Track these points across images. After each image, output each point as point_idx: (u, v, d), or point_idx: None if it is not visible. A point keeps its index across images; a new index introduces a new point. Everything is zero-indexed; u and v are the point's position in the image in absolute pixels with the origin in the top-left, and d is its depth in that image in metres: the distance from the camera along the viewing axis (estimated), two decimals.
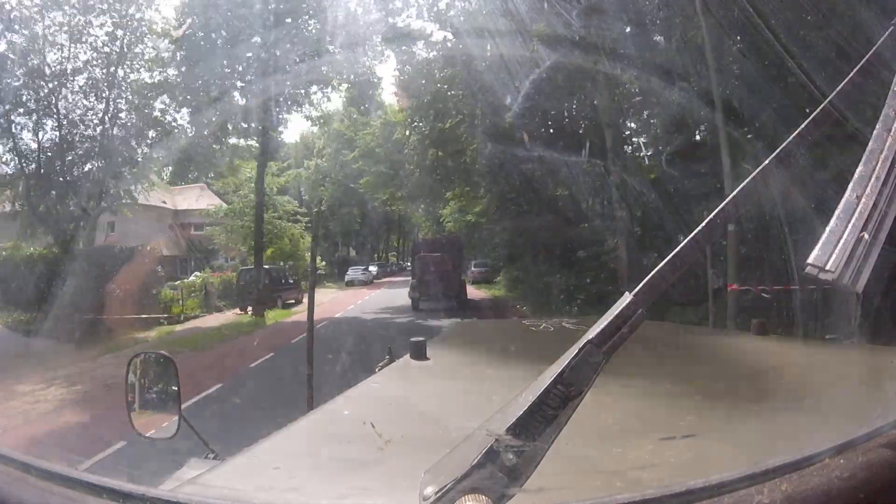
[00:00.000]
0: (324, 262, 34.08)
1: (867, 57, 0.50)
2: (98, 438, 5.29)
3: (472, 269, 29.71)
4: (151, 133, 16.08)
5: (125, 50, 14.62)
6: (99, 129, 14.77)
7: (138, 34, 14.90)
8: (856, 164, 0.51)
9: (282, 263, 25.00)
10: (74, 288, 12.95)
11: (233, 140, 18.06)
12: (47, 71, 13.54)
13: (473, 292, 23.51)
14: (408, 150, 23.00)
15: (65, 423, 6.48)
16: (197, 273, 21.16)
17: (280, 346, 10.82)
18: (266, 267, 20.89)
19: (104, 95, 14.68)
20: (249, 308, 17.21)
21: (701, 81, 9.83)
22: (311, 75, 17.44)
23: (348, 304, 19.38)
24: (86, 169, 14.83)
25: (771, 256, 7.65)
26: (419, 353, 1.45)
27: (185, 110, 16.68)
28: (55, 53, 13.71)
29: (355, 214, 44.27)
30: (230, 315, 16.95)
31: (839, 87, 0.50)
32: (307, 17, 16.53)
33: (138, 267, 15.13)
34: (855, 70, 0.50)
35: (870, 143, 0.51)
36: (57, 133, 13.96)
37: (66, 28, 13.59)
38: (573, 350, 0.49)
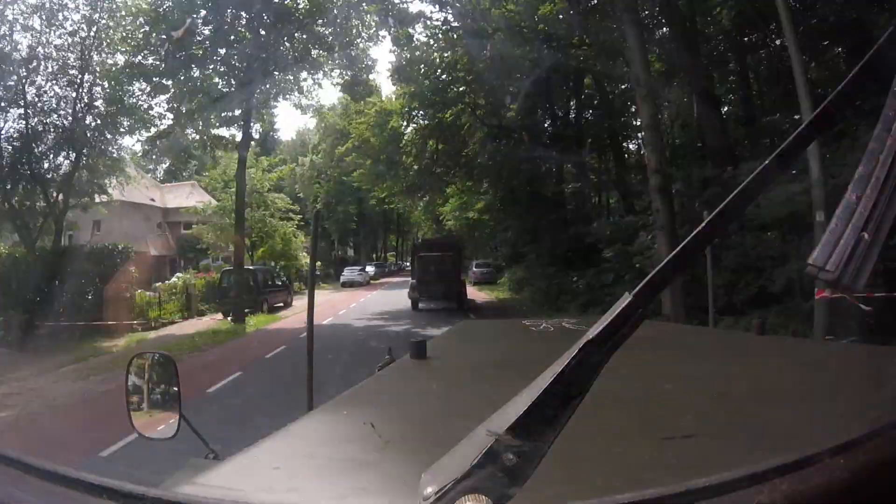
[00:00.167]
0: (319, 263, 34.21)
1: (867, 57, 0.54)
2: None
3: (474, 269, 29.85)
4: (126, 122, 16.07)
5: (99, 32, 14.62)
6: (69, 117, 14.78)
7: (114, 14, 14.90)
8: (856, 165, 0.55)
9: (272, 263, 25.06)
10: (36, 291, 12.84)
11: (215, 130, 18.02)
12: (15, 56, 13.53)
13: (476, 294, 23.60)
14: (405, 140, 23.02)
15: None
16: (179, 274, 21.08)
17: (251, 362, 10.08)
18: (250, 268, 20.80)
19: (76, 80, 14.70)
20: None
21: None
22: (300, 59, 17.42)
23: (340, 307, 19.33)
24: (56, 162, 14.81)
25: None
26: (419, 353, 1.54)
27: (161, 97, 16.71)
28: (24, 36, 13.73)
29: (352, 213, 44.69)
30: (210, 321, 16.70)
31: (839, 87, 0.55)
32: None
33: (111, 268, 14.99)
34: (855, 70, 0.54)
35: (870, 143, 0.55)
36: (23, 122, 13.94)
37: (37, 10, 13.59)
38: (573, 350, 0.52)
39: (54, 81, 14.39)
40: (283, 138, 50.00)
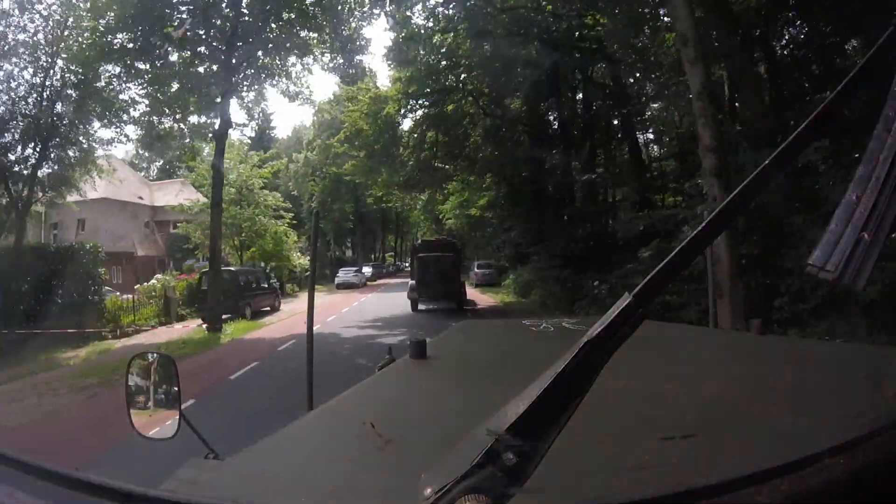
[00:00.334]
0: None
1: (867, 57, 0.59)
2: None
3: (475, 270, 29.94)
4: (96, 108, 16.03)
5: (68, 12, 14.65)
6: (33, 103, 14.75)
7: None
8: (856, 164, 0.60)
9: (263, 264, 25.08)
10: None
11: (192, 118, 18.00)
12: None
13: (478, 297, 23.66)
14: (403, 131, 23.05)
15: None
16: (158, 276, 20.98)
17: (212, 386, 8.56)
18: (231, 269, 20.66)
19: (40, 64, 14.69)
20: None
21: None
22: (287, 39, 17.40)
23: (331, 313, 19.27)
24: (24, 154, 14.76)
25: None
26: (419, 353, 1.64)
27: (133, 85, 16.69)
28: None
29: (348, 212, 44.97)
30: (188, 327, 16.38)
31: (839, 88, 0.60)
32: None
33: (77, 269, 14.78)
34: (855, 70, 0.60)
35: (870, 143, 0.60)
36: None
37: None
38: (573, 350, 0.57)
39: (20, 64, 14.41)
40: (279, 136, 51.55)
